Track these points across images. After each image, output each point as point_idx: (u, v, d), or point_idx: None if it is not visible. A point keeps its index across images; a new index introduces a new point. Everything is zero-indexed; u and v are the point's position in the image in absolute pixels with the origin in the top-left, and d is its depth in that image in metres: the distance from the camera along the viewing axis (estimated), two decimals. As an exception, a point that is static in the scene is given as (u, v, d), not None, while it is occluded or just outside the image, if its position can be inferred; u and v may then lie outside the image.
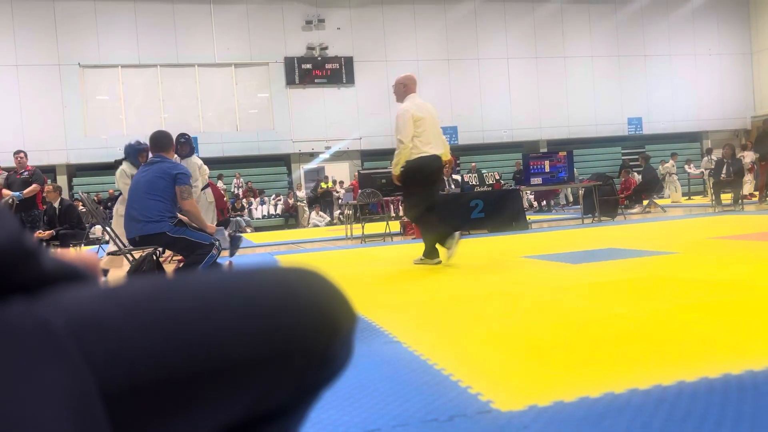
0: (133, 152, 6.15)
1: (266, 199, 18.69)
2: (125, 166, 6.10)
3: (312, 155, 19.42)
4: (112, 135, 17.33)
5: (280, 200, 18.72)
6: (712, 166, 13.06)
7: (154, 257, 4.46)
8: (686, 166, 18.93)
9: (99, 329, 0.44)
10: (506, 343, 2.33)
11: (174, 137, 6.25)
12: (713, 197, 11.30)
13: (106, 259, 5.95)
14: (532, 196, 17.27)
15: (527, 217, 10.06)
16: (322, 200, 18.12)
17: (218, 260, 4.51)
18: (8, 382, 0.38)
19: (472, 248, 6.74)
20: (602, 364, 1.96)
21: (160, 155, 4.48)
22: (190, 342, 0.46)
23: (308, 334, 0.50)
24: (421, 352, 2.24)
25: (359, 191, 10.70)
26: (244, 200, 18.09)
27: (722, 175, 11.08)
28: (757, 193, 12.69)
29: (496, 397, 1.68)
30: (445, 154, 5.33)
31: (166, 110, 18.37)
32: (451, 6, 20.13)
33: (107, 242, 7.18)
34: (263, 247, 10.07)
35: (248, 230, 16.74)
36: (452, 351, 2.26)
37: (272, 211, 18.66)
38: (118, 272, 5.93)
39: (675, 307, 2.77)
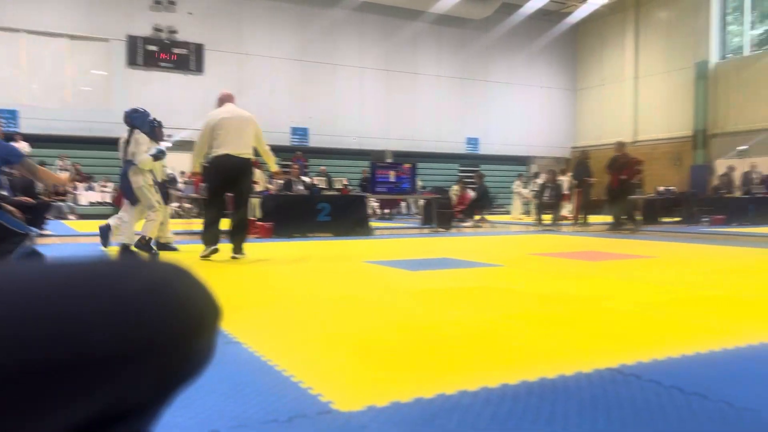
0: (147, 119, 6.11)
1: (95, 185, 17.27)
2: (140, 136, 5.94)
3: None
4: None
5: (106, 187, 17.36)
6: (537, 189, 14.35)
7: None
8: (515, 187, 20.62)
9: None
10: (347, 345, 2.37)
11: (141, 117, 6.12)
12: (536, 217, 12.41)
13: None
14: (377, 204, 17.75)
15: (371, 223, 10.33)
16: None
17: (38, 251, 4.08)
18: None
19: (317, 251, 6.78)
20: (436, 366, 2.07)
21: None
22: (37, 330, 0.41)
23: (171, 328, 0.48)
24: (262, 353, 2.21)
25: (201, 185, 10.27)
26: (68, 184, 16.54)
27: (544, 197, 12.21)
28: (572, 215, 14.12)
29: (336, 397, 1.70)
30: (270, 165, 6.16)
31: (-18, 76, 16.29)
32: (309, 8, 20.12)
33: None
34: (89, 237, 9.28)
35: (71, 217, 15.35)
36: (293, 352, 2.25)
37: (101, 199, 17.27)
38: None
39: (500, 316, 3.00)
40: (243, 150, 5.60)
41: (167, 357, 0.48)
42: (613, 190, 11.12)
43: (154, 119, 6.42)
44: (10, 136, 15.63)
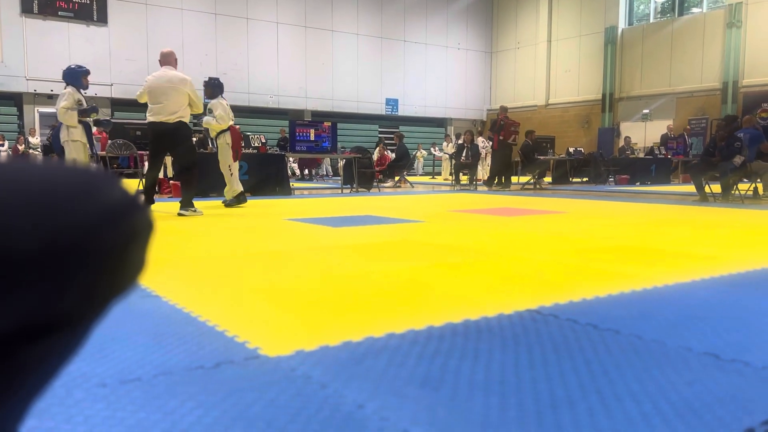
0: (77, 75, 6.32)
1: (-12, 143, 16.00)
2: (72, 91, 6.25)
3: (51, 97, 17.05)
4: None
5: (2, 145, 16.12)
6: (455, 150, 14.58)
7: None
8: (432, 149, 20.88)
9: None
10: (273, 296, 2.34)
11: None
12: (454, 177, 12.65)
13: None
14: (296, 164, 17.51)
15: (291, 183, 10.18)
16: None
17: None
18: None
19: (235, 209, 6.62)
20: (363, 313, 2.08)
21: None
22: None
23: (105, 233, 0.44)
24: (183, 305, 2.14)
25: (108, 142, 9.77)
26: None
27: (462, 158, 12.44)
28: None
29: (264, 344, 1.68)
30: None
31: None
32: (222, -42, 19.19)
33: None
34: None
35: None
36: (216, 304, 2.20)
37: (-4, 158, 16.02)
38: None
39: (423, 266, 3.05)
40: (168, 117, 5.79)
41: (96, 261, 0.44)
42: (494, 151, 12.00)
43: (80, 66, 6.62)
44: None
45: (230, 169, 7.00)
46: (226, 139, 7.02)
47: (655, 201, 8.32)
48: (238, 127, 7.51)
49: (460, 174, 12.77)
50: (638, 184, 13.61)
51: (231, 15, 19.50)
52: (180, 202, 5.88)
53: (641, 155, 15.72)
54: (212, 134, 7.28)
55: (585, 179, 14.71)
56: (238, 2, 19.59)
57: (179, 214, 5.71)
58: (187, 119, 5.95)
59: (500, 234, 4.46)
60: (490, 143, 14.01)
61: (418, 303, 2.25)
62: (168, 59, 6.04)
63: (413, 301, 2.28)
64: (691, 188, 9.07)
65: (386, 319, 2.00)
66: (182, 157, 6.02)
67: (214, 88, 7.14)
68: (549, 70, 23.26)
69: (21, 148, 16.16)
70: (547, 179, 14.22)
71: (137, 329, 1.81)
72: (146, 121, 5.90)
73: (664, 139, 15.83)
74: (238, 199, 6.89)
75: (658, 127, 18.75)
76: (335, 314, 2.06)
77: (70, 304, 0.44)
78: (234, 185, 6.98)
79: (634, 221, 5.40)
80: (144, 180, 6.08)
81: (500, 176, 11.98)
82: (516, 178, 13.74)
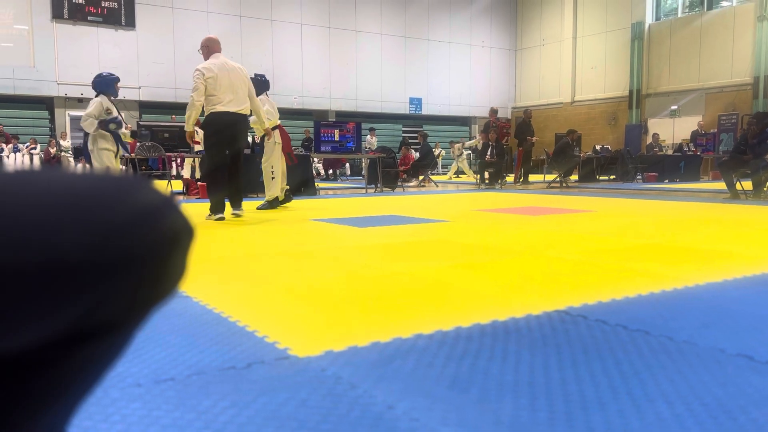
0: (110, 83, 6.28)
1: (21, 146, 16.37)
2: (102, 99, 6.16)
3: (81, 101, 17.42)
4: None
5: (35, 148, 16.49)
6: (480, 148, 14.51)
7: None
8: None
9: None
10: (301, 296, 2.36)
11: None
12: (478, 176, 12.59)
13: None
14: (320, 165, 17.58)
15: (316, 184, 10.24)
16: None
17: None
18: None
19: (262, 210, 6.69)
20: (391, 313, 2.09)
21: None
22: (3, 233, 0.38)
23: (150, 241, 0.45)
24: (214, 305, 2.17)
25: (137, 144, 9.93)
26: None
27: (487, 156, 12.37)
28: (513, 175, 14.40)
29: (293, 345, 1.70)
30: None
31: None
32: (246, -39, 19.37)
33: None
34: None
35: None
36: (246, 305, 2.22)
37: (28, 161, 16.42)
38: None
39: (449, 266, 3.05)
40: (239, 107, 5.43)
41: (143, 270, 0.45)
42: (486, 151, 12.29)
43: (111, 74, 6.55)
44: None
45: (272, 171, 6.80)
46: (275, 138, 6.89)
47: (684, 199, 8.18)
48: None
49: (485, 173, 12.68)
50: (667, 181, 13.39)
51: (255, 17, 19.67)
52: (233, 202, 5.63)
53: (669, 152, 15.47)
54: (258, 133, 6.97)
55: (612, 177, 14.52)
56: (262, 4, 19.75)
57: (235, 215, 5.60)
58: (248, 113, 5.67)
59: (527, 233, 4.43)
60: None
61: (445, 303, 2.25)
62: (217, 46, 5.66)
63: (440, 301, 2.28)
64: (721, 185, 8.90)
65: (413, 319, 2.00)
66: (239, 156, 5.62)
67: (258, 84, 6.87)
68: (575, 67, 23.00)
69: (53, 150, 16.51)
70: (574, 177, 14.07)
71: (169, 330, 1.84)
72: (215, 112, 5.30)
73: (694, 136, 15.56)
74: (271, 205, 6.69)
75: (687, 124, 18.44)
76: (363, 314, 2.08)
77: (112, 310, 0.45)
78: (272, 189, 6.77)
79: (663, 219, 5.32)
80: (213, 182, 5.54)
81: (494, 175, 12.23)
82: (542, 176, 13.63)
